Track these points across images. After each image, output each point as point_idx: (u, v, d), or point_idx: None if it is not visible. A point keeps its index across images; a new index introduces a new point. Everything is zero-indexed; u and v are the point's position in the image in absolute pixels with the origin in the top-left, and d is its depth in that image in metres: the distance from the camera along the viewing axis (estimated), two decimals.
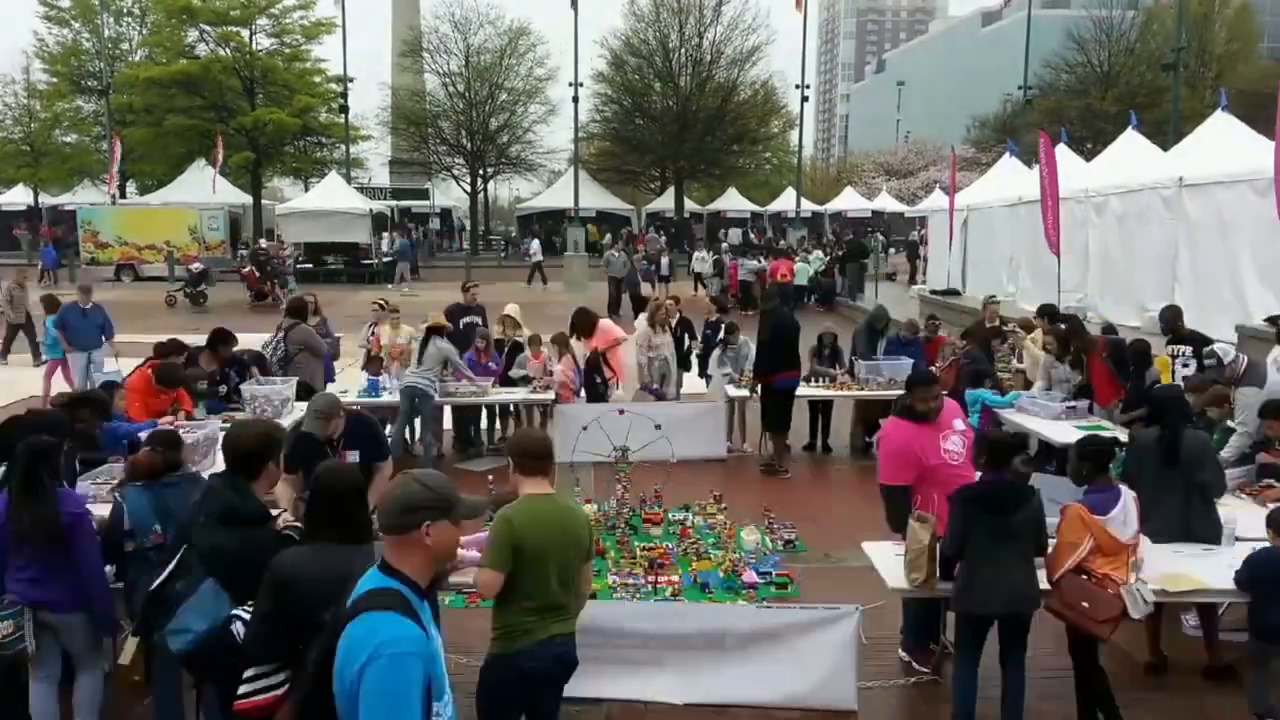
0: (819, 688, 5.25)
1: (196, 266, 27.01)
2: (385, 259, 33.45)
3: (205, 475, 4.95)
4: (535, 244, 34.54)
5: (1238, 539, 5.49)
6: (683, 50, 46.76)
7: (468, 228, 51.20)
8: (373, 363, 10.72)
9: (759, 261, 26.90)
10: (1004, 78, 51.65)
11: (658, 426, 8.88)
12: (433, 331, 9.88)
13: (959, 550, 4.81)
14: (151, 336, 14.04)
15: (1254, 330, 11.88)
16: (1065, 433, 8.25)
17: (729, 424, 10.94)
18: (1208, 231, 13.63)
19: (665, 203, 49.08)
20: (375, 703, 2.28)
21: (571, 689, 5.07)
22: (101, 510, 4.84)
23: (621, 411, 9.52)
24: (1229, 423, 7.00)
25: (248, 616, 3.50)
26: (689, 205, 49.45)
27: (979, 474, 5.08)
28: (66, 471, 5.21)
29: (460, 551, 3.86)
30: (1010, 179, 21.27)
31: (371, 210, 34.77)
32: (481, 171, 48.35)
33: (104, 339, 12.51)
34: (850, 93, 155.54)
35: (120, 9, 43.77)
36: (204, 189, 35.95)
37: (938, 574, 4.87)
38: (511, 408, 10.84)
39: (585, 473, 8.60)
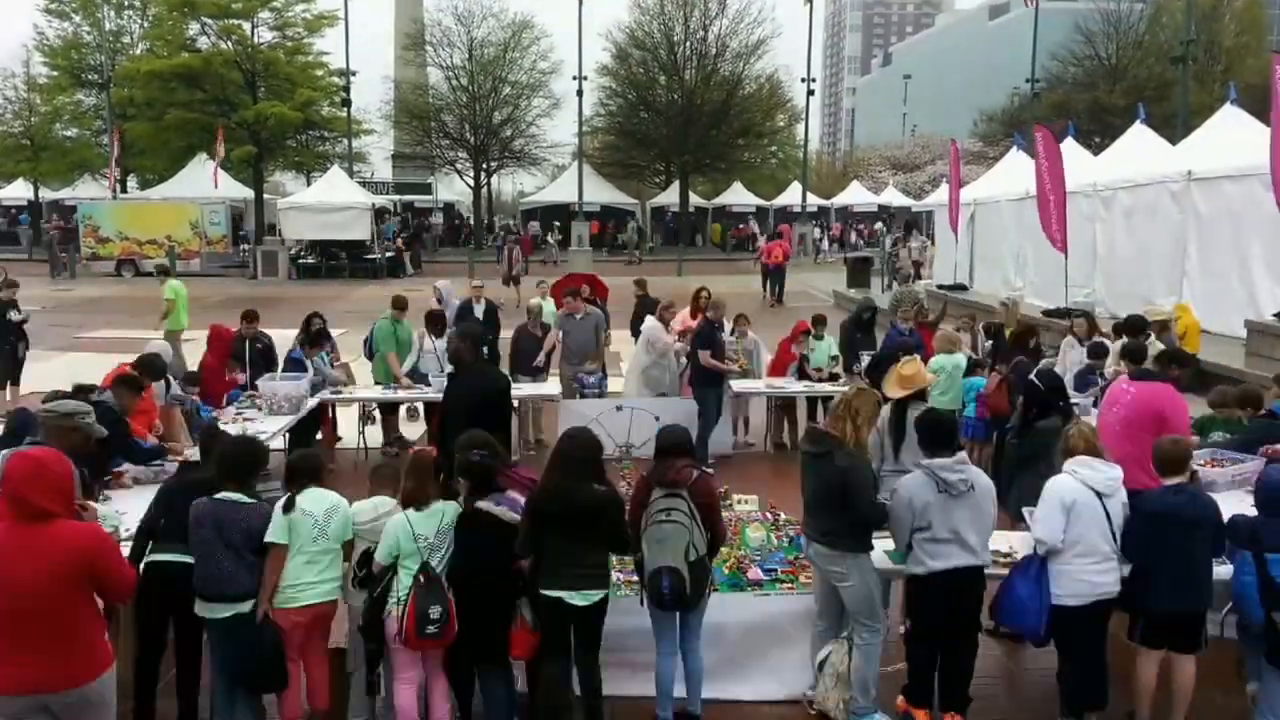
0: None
1: None
2: (388, 254, 33.38)
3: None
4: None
5: None
6: (688, 43, 46.54)
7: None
8: None
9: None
10: (1011, 71, 51.26)
11: (657, 418, 8.92)
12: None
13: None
14: (152, 333, 14.04)
15: (1263, 325, 11.78)
16: None
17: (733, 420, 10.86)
18: (1216, 226, 13.52)
19: (670, 197, 48.94)
20: None
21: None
22: None
23: (619, 408, 9.50)
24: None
25: None
26: (694, 199, 49.30)
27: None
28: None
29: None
30: (1017, 173, 21.09)
31: (374, 205, 34.64)
32: (485, 165, 48.20)
33: None
34: (856, 86, 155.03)
35: (121, 2, 43.62)
36: (205, 184, 35.84)
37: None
38: (516, 403, 10.72)
39: None
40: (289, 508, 4.80)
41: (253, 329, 10.24)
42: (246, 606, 4.71)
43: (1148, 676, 5.04)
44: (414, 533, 4.80)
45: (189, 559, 4.78)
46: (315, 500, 4.89)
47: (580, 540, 4.76)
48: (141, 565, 4.82)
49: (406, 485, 4.99)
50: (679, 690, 5.13)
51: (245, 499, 4.82)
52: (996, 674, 5.66)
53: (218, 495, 4.81)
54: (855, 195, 53.24)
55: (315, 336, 10.28)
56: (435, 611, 4.65)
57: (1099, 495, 4.93)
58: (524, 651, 4.90)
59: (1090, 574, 4.89)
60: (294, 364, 10.02)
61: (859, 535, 5.10)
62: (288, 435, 8.90)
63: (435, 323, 10.73)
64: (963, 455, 5.09)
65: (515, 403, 10.38)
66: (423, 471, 5.02)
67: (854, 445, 5.16)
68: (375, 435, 10.82)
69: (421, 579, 4.71)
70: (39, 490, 3.61)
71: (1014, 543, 5.49)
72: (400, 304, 11.00)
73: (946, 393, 9.04)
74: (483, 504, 4.87)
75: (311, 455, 5.38)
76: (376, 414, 10.80)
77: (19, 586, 3.51)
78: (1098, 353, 9.41)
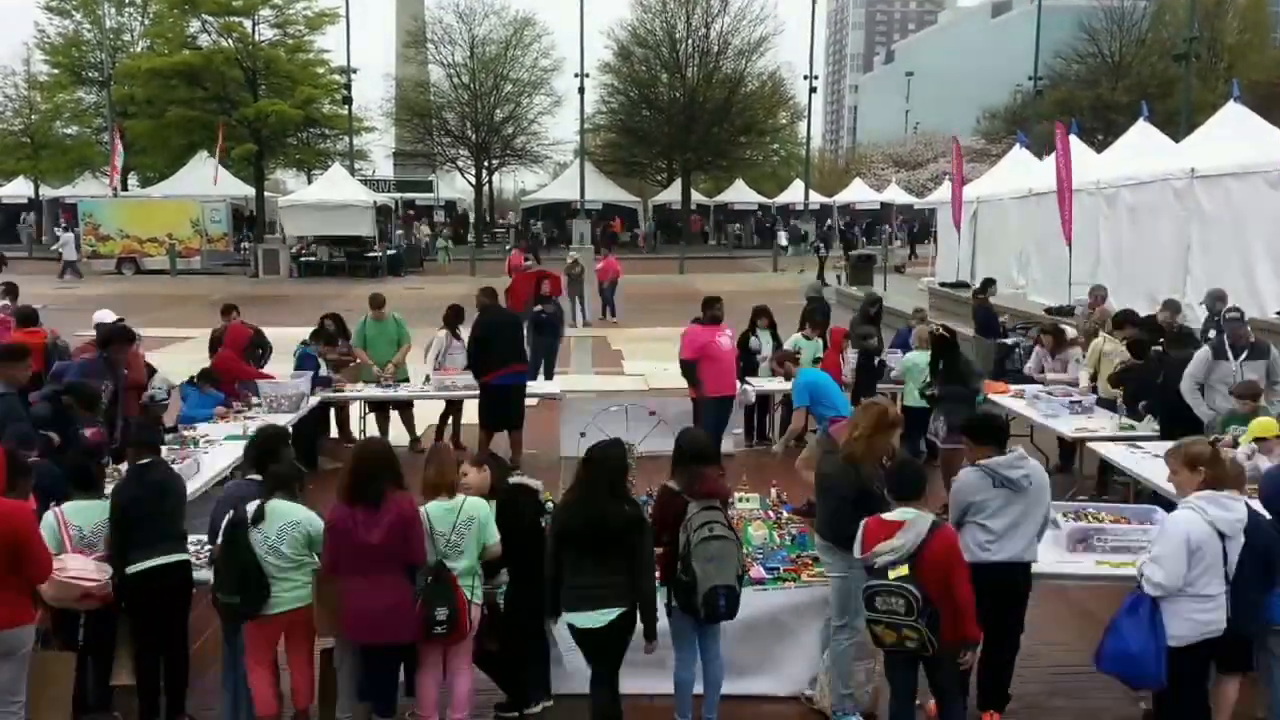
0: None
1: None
2: (390, 251, 33.35)
3: None
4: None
5: None
6: (690, 41, 46.43)
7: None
8: None
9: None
10: (1014, 68, 51.17)
11: (652, 413, 9.24)
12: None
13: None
14: (151, 331, 14.02)
15: (1267, 323, 11.72)
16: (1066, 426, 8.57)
17: (754, 419, 10.98)
18: (1220, 223, 13.45)
19: (672, 195, 48.88)
20: None
21: (577, 685, 5.13)
22: None
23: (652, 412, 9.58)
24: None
25: None
26: (696, 197, 49.24)
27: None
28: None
29: None
30: (1020, 170, 21.06)
31: (375, 203, 34.62)
32: (486, 163, 48.15)
33: None
34: (859, 84, 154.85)
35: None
36: (206, 181, 35.82)
37: None
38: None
39: None
40: (257, 519, 4.79)
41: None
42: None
43: (1228, 701, 4.81)
44: (432, 531, 4.80)
45: (165, 560, 4.93)
46: (274, 515, 4.81)
47: (599, 559, 4.65)
48: (126, 574, 4.94)
49: (428, 473, 4.98)
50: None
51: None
52: (1030, 676, 5.55)
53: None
54: (858, 193, 53.16)
55: (322, 336, 10.25)
56: (442, 614, 4.68)
57: (1222, 536, 4.51)
58: None
59: (1197, 614, 4.51)
60: (305, 359, 9.97)
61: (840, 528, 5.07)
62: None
63: (454, 318, 10.68)
64: (1021, 450, 5.04)
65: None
66: (445, 459, 5.07)
67: (857, 453, 5.15)
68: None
69: (430, 579, 4.73)
70: None
71: None
72: (375, 302, 10.82)
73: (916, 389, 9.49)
74: (515, 479, 5.08)
75: (279, 467, 5.16)
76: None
77: None
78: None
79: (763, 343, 10.95)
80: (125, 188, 40.59)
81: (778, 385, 10.59)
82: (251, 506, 4.81)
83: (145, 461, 5.21)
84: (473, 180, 49.11)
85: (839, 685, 5.10)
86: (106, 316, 9.27)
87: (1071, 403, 8.82)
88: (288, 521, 4.82)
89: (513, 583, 5.15)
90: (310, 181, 42.41)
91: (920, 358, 9.52)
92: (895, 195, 51.36)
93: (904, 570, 4.34)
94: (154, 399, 7.95)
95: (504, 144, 47.37)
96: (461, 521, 4.83)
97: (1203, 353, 7.83)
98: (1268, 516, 4.75)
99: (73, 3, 42.14)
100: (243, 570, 4.70)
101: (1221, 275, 13.31)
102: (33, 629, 4.43)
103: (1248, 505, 4.66)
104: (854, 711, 5.10)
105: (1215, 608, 4.50)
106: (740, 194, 50.05)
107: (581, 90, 42.17)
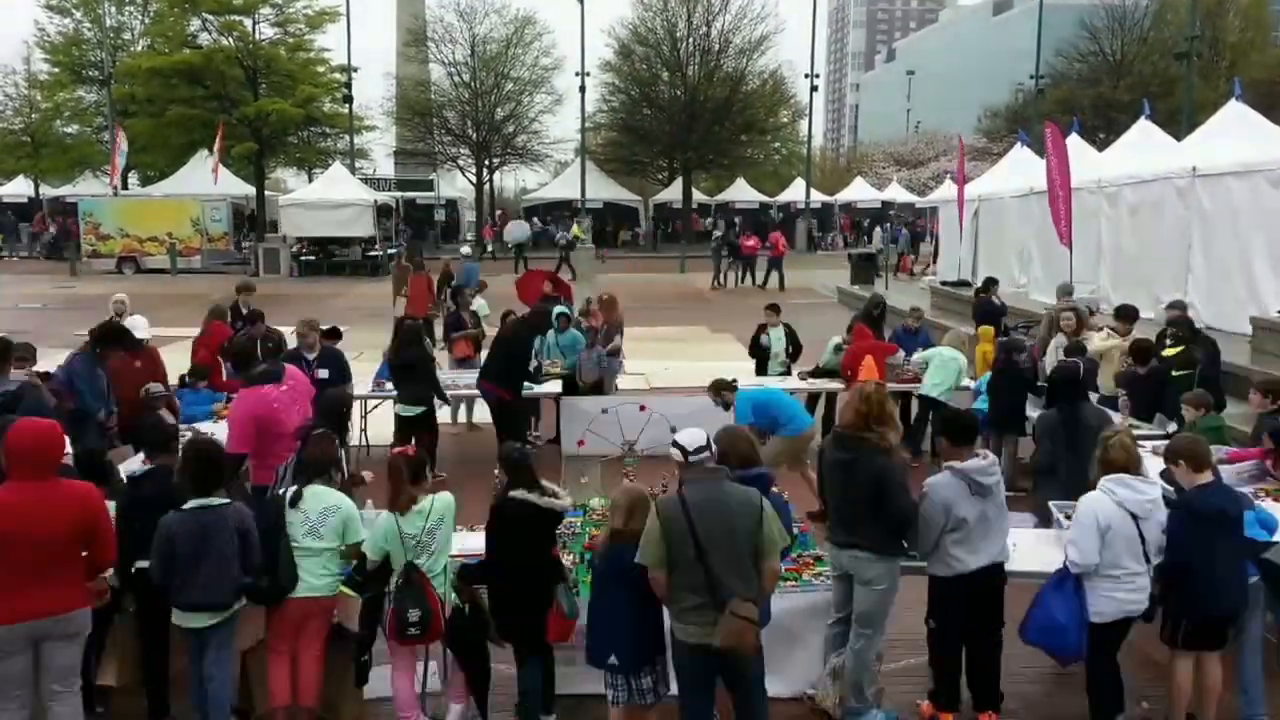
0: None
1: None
2: (390, 250, 33.30)
3: None
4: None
5: None
6: (690, 39, 46.39)
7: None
8: None
9: None
10: (1015, 67, 51.15)
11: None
12: None
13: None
14: (151, 331, 13.97)
15: (1269, 322, 11.70)
16: None
17: None
18: (1221, 222, 13.45)
19: (673, 193, 48.85)
20: None
21: (577, 685, 5.13)
22: None
23: (642, 407, 9.51)
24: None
25: None
26: (697, 196, 49.21)
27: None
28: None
29: None
30: (1022, 169, 21.03)
31: (376, 202, 34.61)
32: (487, 162, 48.14)
33: None
34: (860, 82, 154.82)
35: None
36: (206, 180, 35.83)
37: None
38: None
39: (592, 467, 8.47)
40: (295, 501, 4.90)
41: (261, 329, 9.97)
42: (224, 615, 4.75)
43: (1184, 679, 4.95)
44: (400, 532, 4.84)
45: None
46: (314, 498, 4.94)
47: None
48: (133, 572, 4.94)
49: (388, 490, 5.02)
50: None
51: (218, 501, 4.80)
52: (1031, 676, 5.60)
53: (188, 505, 4.75)
54: (859, 191, 53.12)
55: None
56: (414, 615, 4.69)
57: (1135, 518, 4.79)
58: (558, 636, 4.94)
59: (1117, 593, 4.81)
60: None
61: (896, 539, 5.03)
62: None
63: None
64: (992, 457, 5.08)
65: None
66: (393, 475, 4.99)
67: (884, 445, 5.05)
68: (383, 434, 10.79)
69: (401, 581, 4.77)
70: (53, 453, 4.32)
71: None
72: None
73: (941, 384, 9.64)
74: (516, 493, 4.90)
75: (319, 453, 5.25)
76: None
77: (41, 531, 4.15)
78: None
79: (774, 339, 10.95)
80: (125, 187, 40.57)
81: (793, 384, 10.64)
82: (289, 490, 4.94)
83: (151, 466, 5.25)
84: (474, 179, 49.12)
85: (865, 687, 5.06)
86: (140, 323, 9.07)
87: None
88: (329, 505, 4.92)
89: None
90: (311, 180, 42.38)
91: (951, 353, 9.58)
92: (896, 194, 51.35)
93: None
94: (151, 393, 7.98)
95: (505, 143, 47.34)
96: (432, 522, 4.87)
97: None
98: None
99: (73, 1, 42.09)
100: (274, 553, 4.77)
101: (1222, 274, 13.33)
102: (89, 613, 4.45)
103: (1222, 483, 4.97)
104: (871, 708, 5.08)
105: (1135, 589, 4.81)
106: (741, 193, 50.00)
107: (582, 89, 42.20)
